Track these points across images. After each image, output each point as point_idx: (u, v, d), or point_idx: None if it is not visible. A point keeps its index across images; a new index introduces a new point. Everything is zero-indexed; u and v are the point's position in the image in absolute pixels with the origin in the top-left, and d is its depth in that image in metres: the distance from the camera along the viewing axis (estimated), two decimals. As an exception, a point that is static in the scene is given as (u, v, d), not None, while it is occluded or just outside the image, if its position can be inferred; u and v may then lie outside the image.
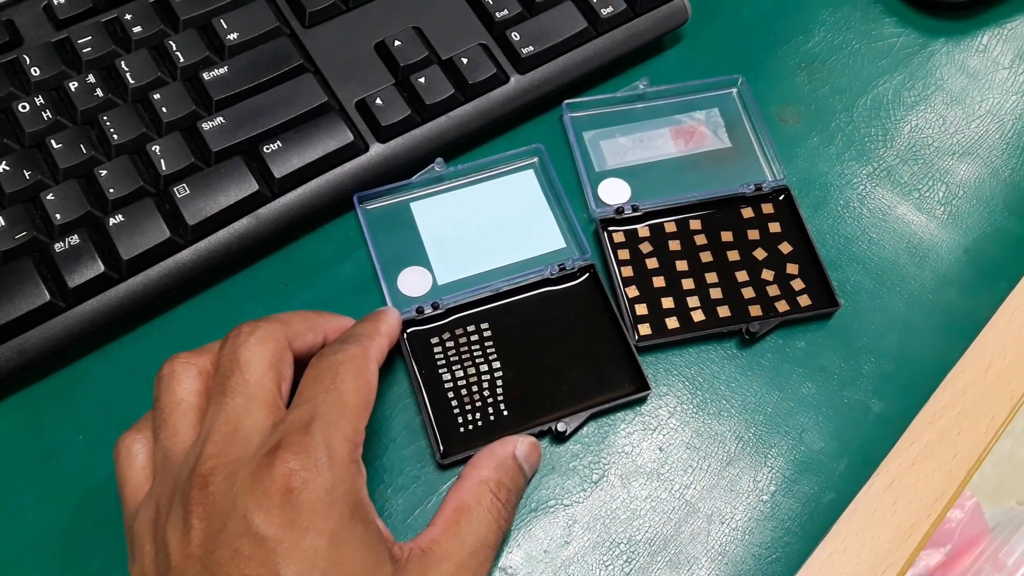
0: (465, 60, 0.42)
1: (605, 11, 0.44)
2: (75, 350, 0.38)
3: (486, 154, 0.43)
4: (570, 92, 0.44)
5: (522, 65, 0.43)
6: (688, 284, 0.40)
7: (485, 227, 0.41)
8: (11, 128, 0.39)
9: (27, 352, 0.36)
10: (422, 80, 0.41)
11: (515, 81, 0.43)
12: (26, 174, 0.38)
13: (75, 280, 0.36)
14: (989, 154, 0.44)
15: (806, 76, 0.46)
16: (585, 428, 0.37)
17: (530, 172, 0.43)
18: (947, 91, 0.46)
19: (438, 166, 0.42)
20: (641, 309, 0.39)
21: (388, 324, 0.35)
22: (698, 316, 0.39)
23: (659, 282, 0.40)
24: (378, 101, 0.41)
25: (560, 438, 0.37)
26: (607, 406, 0.37)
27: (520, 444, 0.35)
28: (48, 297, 0.36)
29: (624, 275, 0.40)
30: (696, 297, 0.40)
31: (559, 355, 0.38)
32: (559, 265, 0.40)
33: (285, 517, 0.27)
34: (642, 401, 0.38)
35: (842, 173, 0.43)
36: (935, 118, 0.45)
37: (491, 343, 0.38)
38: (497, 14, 0.43)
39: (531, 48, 0.43)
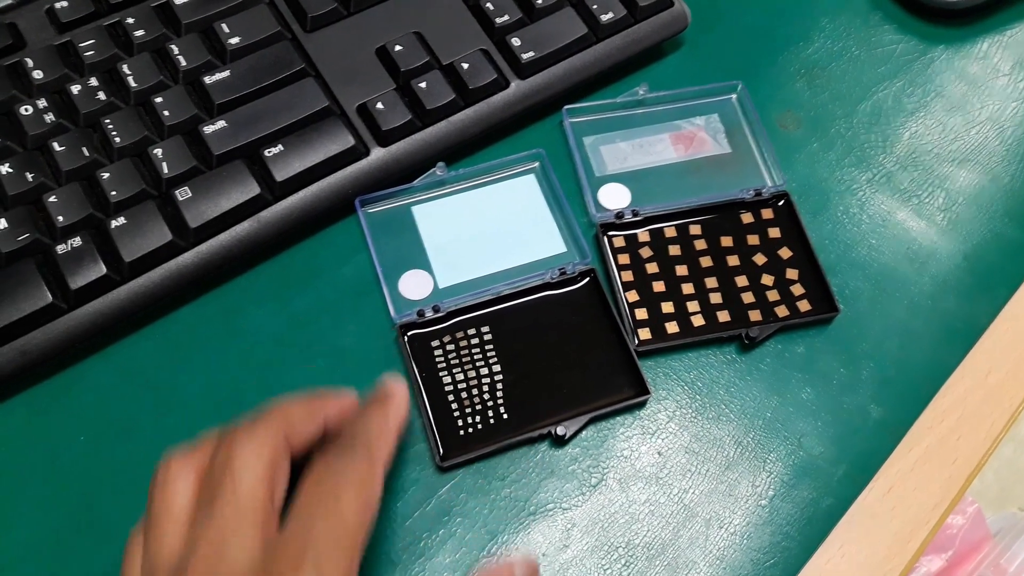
0: (466, 65, 0.42)
1: (605, 17, 0.44)
2: (77, 351, 0.38)
3: (487, 159, 0.43)
4: (570, 97, 0.44)
5: (522, 70, 0.43)
6: (688, 289, 0.40)
7: (486, 231, 0.41)
8: (14, 131, 0.39)
9: (29, 353, 0.36)
10: (423, 85, 0.42)
11: (515, 86, 0.43)
12: (29, 177, 0.38)
13: (77, 282, 0.36)
14: (989, 160, 0.44)
15: (806, 82, 0.46)
16: (584, 432, 0.37)
17: (531, 177, 0.43)
18: (947, 98, 0.46)
19: (439, 170, 0.42)
20: (641, 314, 0.39)
21: (398, 415, 0.33)
22: (698, 321, 0.39)
23: (659, 287, 0.40)
24: (379, 105, 0.41)
25: (559, 442, 0.37)
26: (606, 410, 0.37)
27: (518, 567, 0.32)
28: (50, 299, 0.36)
29: (624, 280, 0.40)
30: (696, 302, 0.40)
31: (559, 359, 0.38)
32: (559, 269, 0.40)
33: None
34: (641, 405, 0.38)
35: (842, 179, 0.43)
36: (935, 124, 0.45)
37: (491, 346, 0.38)
38: (498, 20, 0.43)
39: (531, 53, 0.43)
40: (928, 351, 0.39)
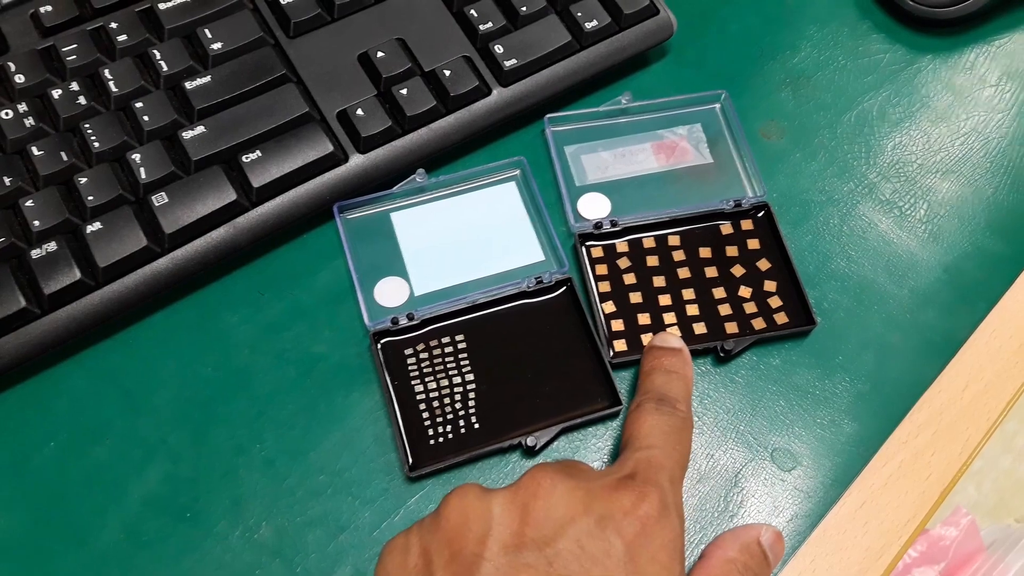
0: (448, 72, 0.42)
1: (589, 25, 0.44)
2: (50, 356, 0.38)
3: (468, 166, 0.43)
4: (553, 105, 0.44)
5: (505, 78, 0.43)
6: (665, 300, 0.40)
7: (465, 238, 0.41)
8: (-7, 135, 0.39)
9: (1, 358, 0.36)
10: (404, 92, 0.42)
11: (497, 94, 0.43)
12: (6, 180, 0.38)
13: (51, 287, 0.36)
14: (973, 173, 0.44)
15: (791, 92, 0.46)
16: (556, 442, 0.37)
17: (511, 185, 0.43)
18: (932, 108, 0.45)
19: (419, 177, 0.42)
20: (617, 325, 0.39)
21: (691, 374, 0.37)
22: (674, 333, 0.39)
23: (636, 298, 0.40)
24: (359, 112, 0.41)
25: (530, 452, 0.37)
26: (579, 420, 0.37)
27: (765, 531, 0.34)
28: (23, 303, 0.36)
29: (601, 290, 0.40)
30: (672, 313, 0.39)
31: (533, 368, 0.38)
32: (536, 278, 0.40)
33: (639, 542, 0.29)
34: (614, 416, 0.38)
35: (823, 189, 0.43)
36: (919, 135, 0.45)
37: (465, 355, 0.38)
38: (481, 27, 0.43)
39: (514, 61, 0.43)
40: (905, 365, 0.39)
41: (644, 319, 0.39)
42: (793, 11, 0.48)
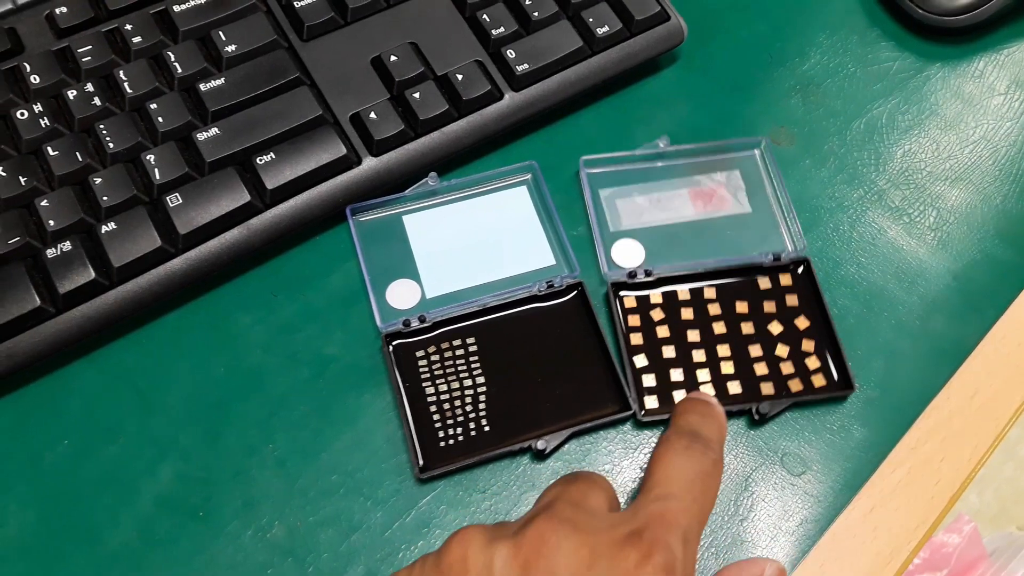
0: (460, 76, 0.42)
1: (601, 30, 0.44)
2: (64, 355, 0.38)
3: (479, 170, 0.43)
4: (564, 110, 0.44)
5: (517, 82, 0.43)
6: (699, 356, 0.39)
7: (476, 242, 0.42)
8: (9, 135, 0.39)
9: (15, 356, 0.36)
10: (417, 95, 0.42)
11: (509, 98, 0.43)
12: (22, 180, 0.38)
13: (66, 286, 0.37)
14: (982, 180, 0.44)
15: (801, 98, 0.46)
16: (567, 446, 0.37)
17: (523, 189, 0.43)
18: (941, 116, 0.46)
19: (431, 180, 0.42)
20: (649, 380, 0.38)
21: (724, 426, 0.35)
22: (708, 391, 0.38)
23: (669, 352, 0.39)
24: (372, 115, 0.41)
25: (540, 456, 0.37)
26: (589, 425, 0.37)
27: (769, 567, 0.33)
28: (38, 302, 0.36)
29: (633, 343, 0.39)
30: (707, 370, 0.38)
31: (544, 372, 0.38)
32: (547, 282, 0.40)
33: None
34: (624, 421, 0.38)
35: (833, 196, 0.43)
36: (929, 143, 0.45)
37: (476, 358, 0.38)
38: (493, 31, 0.44)
39: (526, 66, 0.43)
40: (914, 371, 0.39)
41: (677, 375, 0.38)
42: (802, 18, 0.48)
